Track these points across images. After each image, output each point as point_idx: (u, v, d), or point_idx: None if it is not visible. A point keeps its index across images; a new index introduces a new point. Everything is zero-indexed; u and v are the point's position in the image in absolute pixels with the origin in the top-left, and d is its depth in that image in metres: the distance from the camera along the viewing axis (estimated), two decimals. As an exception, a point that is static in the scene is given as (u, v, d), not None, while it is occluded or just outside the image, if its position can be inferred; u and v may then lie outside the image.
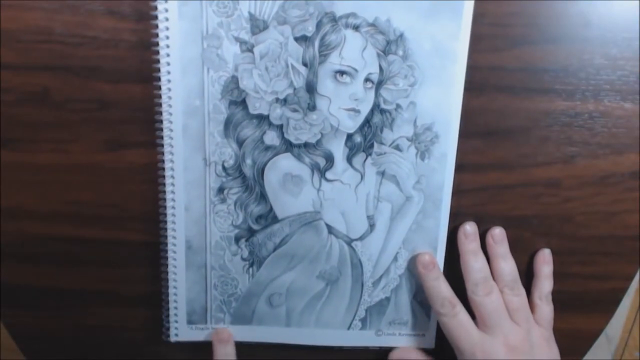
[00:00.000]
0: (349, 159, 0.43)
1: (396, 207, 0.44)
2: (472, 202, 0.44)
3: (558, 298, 0.47)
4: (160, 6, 0.39)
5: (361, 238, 0.45)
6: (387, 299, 0.46)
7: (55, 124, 0.43)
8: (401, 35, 0.40)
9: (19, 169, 0.44)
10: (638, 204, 0.45)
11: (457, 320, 0.43)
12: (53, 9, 0.40)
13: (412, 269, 0.45)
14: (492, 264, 0.44)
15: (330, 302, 0.46)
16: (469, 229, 0.44)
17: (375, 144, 0.42)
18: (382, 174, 0.43)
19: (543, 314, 0.44)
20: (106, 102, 0.42)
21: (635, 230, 0.46)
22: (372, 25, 0.39)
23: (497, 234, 0.44)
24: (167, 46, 0.39)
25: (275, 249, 0.45)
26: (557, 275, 0.46)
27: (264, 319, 0.47)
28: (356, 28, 0.39)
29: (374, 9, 0.39)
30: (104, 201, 0.45)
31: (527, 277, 0.46)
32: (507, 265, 0.44)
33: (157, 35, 0.39)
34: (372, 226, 0.44)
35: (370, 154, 0.42)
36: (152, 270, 0.46)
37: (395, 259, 0.45)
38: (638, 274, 0.47)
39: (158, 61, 0.40)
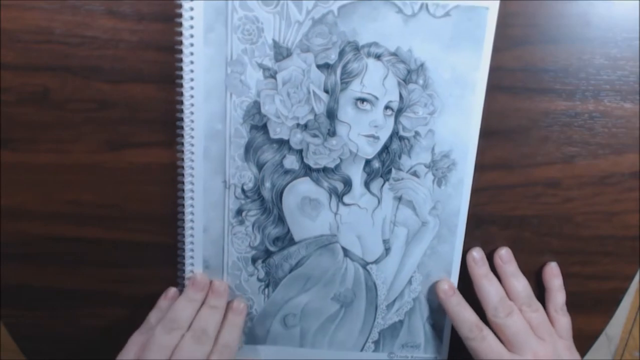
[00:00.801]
0: (367, 184, 0.43)
1: (412, 232, 0.44)
2: (472, 202, 0.44)
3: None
4: (186, 32, 0.39)
5: (376, 261, 0.45)
6: (401, 322, 0.47)
7: (55, 124, 0.43)
8: (422, 65, 0.40)
9: (19, 169, 0.44)
10: (638, 204, 0.45)
11: (487, 344, 0.42)
12: (53, 9, 0.40)
13: (429, 296, 0.46)
14: (504, 284, 0.44)
15: (344, 324, 0.47)
16: (477, 255, 0.44)
17: (393, 170, 0.43)
18: (399, 199, 0.43)
19: (562, 325, 0.44)
20: (106, 102, 0.42)
21: (635, 230, 0.46)
22: (394, 54, 0.40)
23: (505, 254, 0.45)
24: (192, 71, 0.40)
25: (291, 271, 0.45)
26: (557, 275, 0.47)
27: (278, 339, 0.47)
28: (378, 57, 0.40)
29: (396, 38, 0.40)
30: (105, 201, 0.45)
31: (526, 277, 0.46)
32: (520, 284, 0.44)
33: (181, 60, 0.40)
34: (387, 250, 0.45)
35: (387, 180, 0.43)
36: (154, 270, 0.46)
37: (410, 282, 0.46)
38: (638, 274, 0.47)
39: (182, 85, 0.40)
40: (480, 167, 0.43)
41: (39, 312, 0.48)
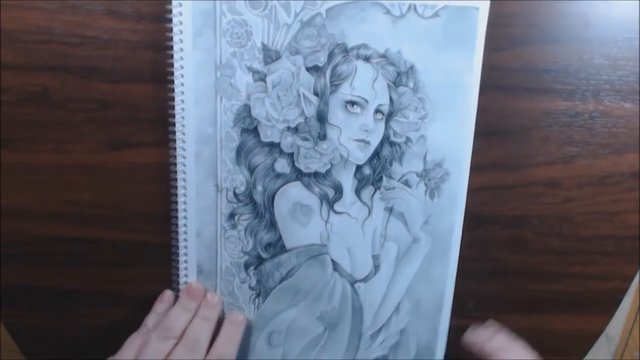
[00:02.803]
0: (358, 192, 0.42)
1: (402, 249, 0.43)
2: (472, 202, 0.44)
3: (558, 298, 0.47)
4: (176, 37, 0.39)
5: (365, 279, 0.44)
6: (385, 357, 0.45)
7: (55, 124, 0.43)
8: (412, 67, 0.40)
9: (19, 169, 0.44)
10: (638, 204, 0.45)
11: None
12: (53, 9, 0.40)
13: (418, 330, 0.44)
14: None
15: (327, 349, 0.45)
16: (485, 331, 0.43)
17: (384, 178, 0.42)
18: (390, 210, 0.43)
19: None
20: (106, 102, 0.42)
21: (635, 230, 0.46)
22: (383, 56, 0.39)
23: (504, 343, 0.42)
24: (182, 76, 0.40)
25: (281, 281, 0.44)
26: (557, 275, 0.47)
27: (261, 358, 0.46)
28: (367, 59, 0.39)
29: (385, 40, 0.39)
30: (105, 201, 0.45)
31: (526, 277, 0.46)
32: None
33: (172, 65, 0.39)
34: (376, 267, 0.44)
35: (379, 188, 0.42)
36: (154, 270, 0.46)
37: (398, 309, 0.45)
38: (638, 274, 0.47)
39: (173, 90, 0.40)
40: (481, 167, 0.43)
41: (39, 312, 0.48)
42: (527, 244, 0.46)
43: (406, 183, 0.42)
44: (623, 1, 0.40)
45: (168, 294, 0.44)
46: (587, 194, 0.45)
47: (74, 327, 0.49)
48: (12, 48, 0.41)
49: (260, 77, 0.40)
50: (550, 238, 0.46)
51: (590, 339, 0.49)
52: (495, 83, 0.42)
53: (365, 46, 0.39)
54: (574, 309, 0.46)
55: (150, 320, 0.43)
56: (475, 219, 0.45)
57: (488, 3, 0.38)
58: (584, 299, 0.48)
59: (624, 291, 0.48)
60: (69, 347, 0.49)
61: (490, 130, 0.43)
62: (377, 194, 0.42)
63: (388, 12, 0.39)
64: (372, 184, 0.42)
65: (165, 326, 0.42)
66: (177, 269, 0.44)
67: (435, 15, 0.38)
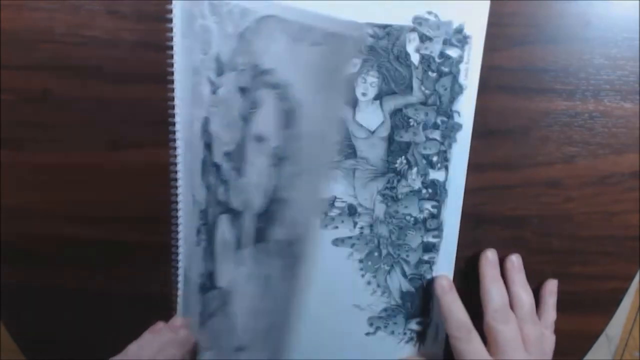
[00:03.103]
0: (254, 246, 0.38)
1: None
2: (472, 202, 0.44)
3: (558, 298, 0.47)
4: (175, 38, 0.38)
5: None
6: None
7: (55, 124, 0.43)
8: (299, 108, 0.34)
9: (19, 169, 0.44)
10: (638, 204, 0.45)
11: (471, 346, 0.42)
12: (53, 9, 0.40)
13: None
14: (510, 291, 0.43)
15: None
16: (491, 256, 0.44)
17: (263, 241, 0.38)
18: (256, 283, 0.39)
19: (548, 343, 0.44)
20: (106, 102, 0.42)
21: (635, 230, 0.46)
22: (282, 87, 0.34)
23: (516, 261, 0.44)
24: (172, 73, 0.39)
25: (210, 317, 0.41)
26: (557, 275, 0.46)
27: None
28: (272, 88, 0.35)
29: (286, 68, 0.34)
30: (105, 201, 0.45)
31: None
32: (527, 296, 0.43)
33: (172, 65, 0.38)
34: (242, 348, 0.40)
35: (259, 251, 0.38)
36: (154, 270, 0.46)
37: None
38: (638, 274, 0.47)
39: (172, 90, 0.39)
40: (480, 167, 0.43)
41: (39, 312, 0.48)
42: (527, 244, 0.46)
43: (269, 254, 0.37)
44: (623, 1, 0.40)
45: (159, 326, 0.43)
46: (587, 194, 0.45)
47: (74, 327, 0.49)
48: (12, 48, 0.41)
49: (214, 90, 0.37)
50: (550, 238, 0.46)
51: (590, 339, 0.49)
52: (495, 83, 0.42)
53: (271, 72, 0.34)
54: (574, 309, 0.46)
55: (131, 349, 0.42)
56: (475, 219, 0.45)
57: (366, 27, 0.33)
58: (584, 299, 0.48)
59: (624, 291, 0.48)
60: (69, 347, 0.49)
61: (490, 130, 0.43)
62: (255, 259, 0.38)
63: (288, 32, 0.33)
64: (254, 243, 0.38)
65: (136, 354, 0.40)
66: (177, 268, 0.44)
67: (320, 42, 0.32)
